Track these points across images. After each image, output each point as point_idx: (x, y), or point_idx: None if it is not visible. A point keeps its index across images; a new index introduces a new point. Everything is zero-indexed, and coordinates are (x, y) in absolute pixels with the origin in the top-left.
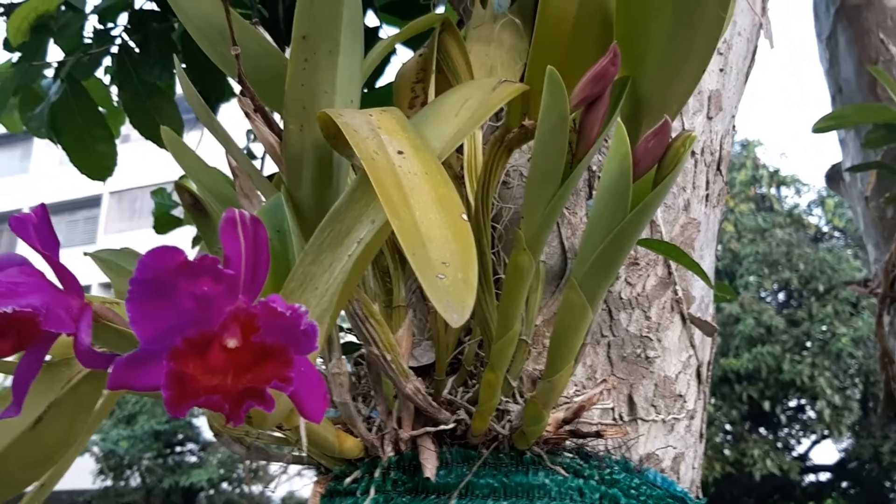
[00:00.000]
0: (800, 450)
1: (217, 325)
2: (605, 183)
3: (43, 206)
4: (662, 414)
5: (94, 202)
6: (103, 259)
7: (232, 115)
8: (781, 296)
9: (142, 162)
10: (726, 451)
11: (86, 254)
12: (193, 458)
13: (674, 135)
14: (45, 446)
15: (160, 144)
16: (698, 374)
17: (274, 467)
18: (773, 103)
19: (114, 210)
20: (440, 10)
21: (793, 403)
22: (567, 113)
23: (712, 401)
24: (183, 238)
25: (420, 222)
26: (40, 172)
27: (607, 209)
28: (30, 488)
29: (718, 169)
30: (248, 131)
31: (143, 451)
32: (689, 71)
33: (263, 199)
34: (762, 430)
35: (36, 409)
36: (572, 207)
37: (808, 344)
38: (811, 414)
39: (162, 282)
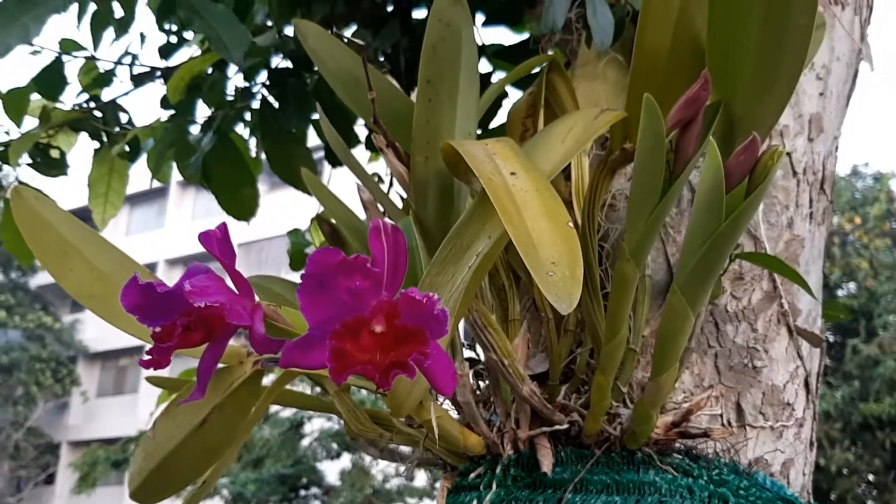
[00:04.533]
0: None
1: (366, 314)
2: (701, 195)
3: (224, 224)
4: (770, 421)
5: None
6: (254, 283)
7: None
8: None
9: (268, 216)
10: (869, 503)
11: None
12: (317, 502)
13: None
14: (209, 445)
15: (298, 187)
16: (807, 385)
17: None
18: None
19: (242, 261)
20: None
21: None
22: (663, 134)
23: (852, 450)
24: None
25: (532, 230)
26: (174, 227)
27: (703, 219)
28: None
29: (822, 188)
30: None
31: (270, 493)
32: (778, 91)
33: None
34: None
35: (201, 412)
36: (677, 226)
37: None
38: None
39: (325, 276)
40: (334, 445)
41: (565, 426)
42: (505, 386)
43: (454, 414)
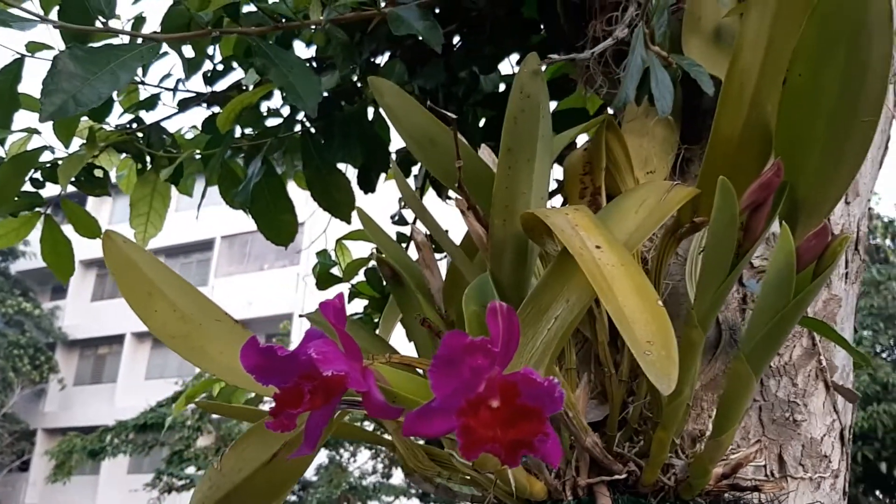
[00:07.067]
0: None
1: (483, 389)
2: (772, 274)
3: (342, 294)
4: (810, 472)
5: (207, 246)
6: (315, 321)
7: (382, 192)
8: None
9: None
10: None
11: (301, 315)
12: (293, 497)
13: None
14: (277, 479)
15: (336, 215)
16: (842, 437)
17: None
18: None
19: (224, 254)
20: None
21: None
22: (737, 215)
23: None
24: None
25: (624, 306)
26: None
27: (772, 296)
28: None
29: (856, 249)
30: (391, 216)
31: None
32: (841, 177)
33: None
34: (878, 493)
35: (271, 448)
36: None
37: None
38: None
39: (453, 357)
40: None
41: (623, 476)
42: (564, 434)
43: None
